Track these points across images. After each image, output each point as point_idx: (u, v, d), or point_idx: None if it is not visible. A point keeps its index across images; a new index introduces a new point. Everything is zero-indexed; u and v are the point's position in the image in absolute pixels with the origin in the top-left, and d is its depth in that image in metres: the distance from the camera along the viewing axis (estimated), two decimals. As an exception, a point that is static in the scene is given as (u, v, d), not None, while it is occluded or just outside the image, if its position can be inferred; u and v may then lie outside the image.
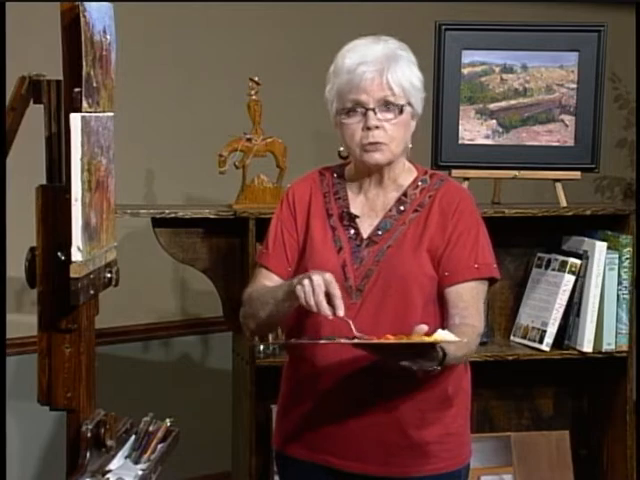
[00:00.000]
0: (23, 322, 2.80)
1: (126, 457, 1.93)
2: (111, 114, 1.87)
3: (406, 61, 2.25)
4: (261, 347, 3.08)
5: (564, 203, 3.25)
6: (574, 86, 3.25)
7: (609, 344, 3.23)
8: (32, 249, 1.77)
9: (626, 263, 3.22)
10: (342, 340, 2.09)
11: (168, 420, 2.04)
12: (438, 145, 3.23)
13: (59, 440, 1.97)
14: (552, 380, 3.49)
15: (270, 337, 3.00)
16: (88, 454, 1.77)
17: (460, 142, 3.26)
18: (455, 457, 2.34)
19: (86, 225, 1.70)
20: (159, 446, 1.98)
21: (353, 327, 2.10)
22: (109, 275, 1.86)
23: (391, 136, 2.24)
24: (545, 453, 3.42)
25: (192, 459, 3.85)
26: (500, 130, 3.27)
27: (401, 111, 2.24)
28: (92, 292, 1.77)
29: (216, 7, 3.98)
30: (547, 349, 3.22)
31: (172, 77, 3.95)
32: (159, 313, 4.05)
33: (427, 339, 2.00)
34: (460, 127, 3.25)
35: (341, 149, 2.37)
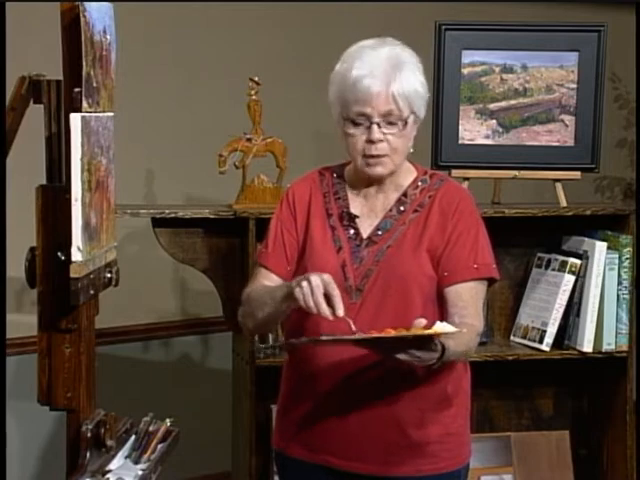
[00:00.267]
0: (23, 322, 2.80)
1: (126, 457, 1.93)
2: (111, 114, 1.87)
3: (411, 67, 2.24)
4: (262, 346, 3.09)
5: (564, 203, 3.25)
6: (574, 86, 3.25)
7: (609, 344, 3.23)
8: (32, 249, 1.77)
9: (626, 263, 3.22)
10: (343, 336, 2.09)
11: (168, 420, 2.04)
12: (438, 145, 3.23)
13: (59, 440, 1.97)
14: (552, 380, 3.49)
15: (270, 337, 3.00)
16: (88, 454, 1.77)
17: (460, 142, 3.25)
18: (455, 457, 2.34)
19: (86, 225, 1.70)
20: (159, 446, 1.98)
21: (353, 326, 2.10)
22: (109, 275, 1.87)
23: (394, 148, 2.24)
24: (545, 453, 3.41)
25: (192, 459, 3.85)
26: (500, 130, 3.27)
27: (405, 124, 2.24)
28: (92, 292, 1.77)
29: (216, 7, 3.98)
30: (547, 349, 3.22)
31: (172, 77, 3.95)
32: (159, 313, 4.05)
33: (426, 331, 2.01)
34: (460, 127, 3.25)
35: None
